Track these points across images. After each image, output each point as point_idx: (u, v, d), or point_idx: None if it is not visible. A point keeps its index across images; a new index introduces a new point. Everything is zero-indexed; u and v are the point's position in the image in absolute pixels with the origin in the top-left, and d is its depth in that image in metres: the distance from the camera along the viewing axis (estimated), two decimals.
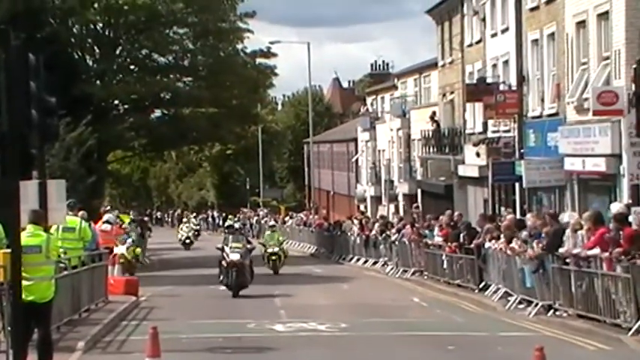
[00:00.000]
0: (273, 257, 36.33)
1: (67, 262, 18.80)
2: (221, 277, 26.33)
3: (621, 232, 17.35)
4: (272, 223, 43.84)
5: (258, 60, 48.92)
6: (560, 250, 19.31)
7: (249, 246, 26.84)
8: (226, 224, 33.78)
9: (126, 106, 48.49)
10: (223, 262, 26.13)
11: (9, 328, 13.25)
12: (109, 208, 35.31)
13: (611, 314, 17.42)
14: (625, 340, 16.29)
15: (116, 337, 17.88)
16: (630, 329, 16.51)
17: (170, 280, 31.74)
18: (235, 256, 25.82)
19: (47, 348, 13.39)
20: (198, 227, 65.63)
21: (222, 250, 26.48)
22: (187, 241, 57.73)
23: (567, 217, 20.71)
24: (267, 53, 49.01)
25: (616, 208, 18.87)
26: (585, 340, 16.77)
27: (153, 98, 47.78)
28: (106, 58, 45.64)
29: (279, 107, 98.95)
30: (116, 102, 47.69)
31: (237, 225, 33.31)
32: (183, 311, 22.38)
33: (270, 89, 53.59)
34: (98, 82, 44.90)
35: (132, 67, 47.80)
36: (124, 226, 34.59)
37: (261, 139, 77.59)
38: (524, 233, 21.85)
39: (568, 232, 19.44)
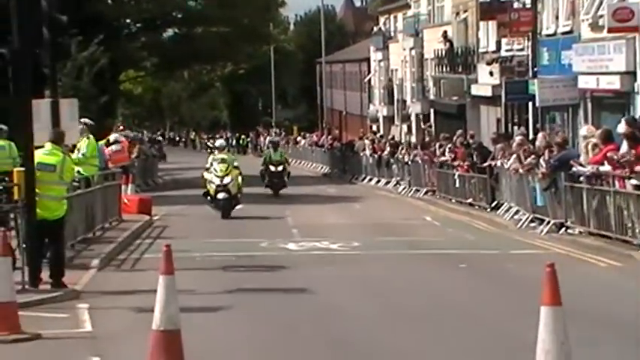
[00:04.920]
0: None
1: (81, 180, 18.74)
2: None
3: (633, 150, 17.30)
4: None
5: None
6: (574, 169, 19.29)
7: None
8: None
9: (138, 25, 48.27)
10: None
11: (24, 246, 13.41)
12: (121, 128, 35.18)
13: (622, 231, 17.48)
14: (635, 256, 16.38)
15: (130, 255, 18.06)
16: None
17: (183, 200, 31.90)
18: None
19: (59, 264, 13.54)
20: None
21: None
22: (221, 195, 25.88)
23: (584, 130, 20.62)
24: None
25: (623, 127, 18.72)
26: (596, 257, 16.86)
27: (164, 17, 47.57)
28: None
29: (292, 27, 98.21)
30: (128, 21, 47.46)
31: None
32: (196, 230, 22.53)
33: (282, 8, 53.24)
34: (110, 0, 44.58)
35: None
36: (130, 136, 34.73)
37: (273, 59, 77.10)
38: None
39: (582, 147, 19.38)
